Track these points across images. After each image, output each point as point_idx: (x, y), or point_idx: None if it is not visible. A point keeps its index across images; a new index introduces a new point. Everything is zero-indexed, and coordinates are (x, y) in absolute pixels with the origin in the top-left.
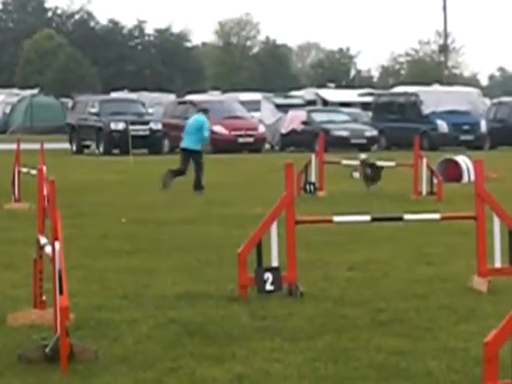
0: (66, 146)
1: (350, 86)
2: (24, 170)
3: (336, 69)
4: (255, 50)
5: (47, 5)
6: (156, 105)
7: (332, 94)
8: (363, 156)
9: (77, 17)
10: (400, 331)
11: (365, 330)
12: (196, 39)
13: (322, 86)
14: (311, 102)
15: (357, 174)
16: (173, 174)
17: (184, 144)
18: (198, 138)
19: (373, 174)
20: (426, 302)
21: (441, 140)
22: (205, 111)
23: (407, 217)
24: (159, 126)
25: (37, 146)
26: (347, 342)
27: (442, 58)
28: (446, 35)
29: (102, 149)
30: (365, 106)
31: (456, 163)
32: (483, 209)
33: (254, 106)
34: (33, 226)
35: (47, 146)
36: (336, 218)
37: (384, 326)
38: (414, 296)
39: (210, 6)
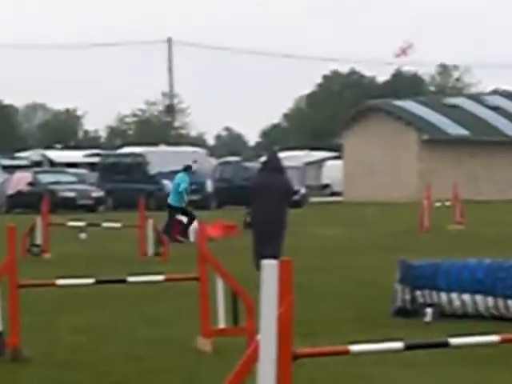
0: None
1: (78, 146)
2: None
3: (63, 129)
4: None
5: None
6: None
7: (59, 155)
8: None
9: None
10: None
11: None
12: None
13: (50, 146)
14: (38, 163)
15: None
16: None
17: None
18: (176, 194)
19: None
20: (150, 364)
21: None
22: (187, 169)
23: (131, 279)
24: None
25: None
26: None
27: (169, 119)
28: (172, 96)
29: None
30: (92, 166)
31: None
32: (206, 270)
33: None
34: None
35: None
36: (59, 282)
37: None
38: (139, 358)
39: None
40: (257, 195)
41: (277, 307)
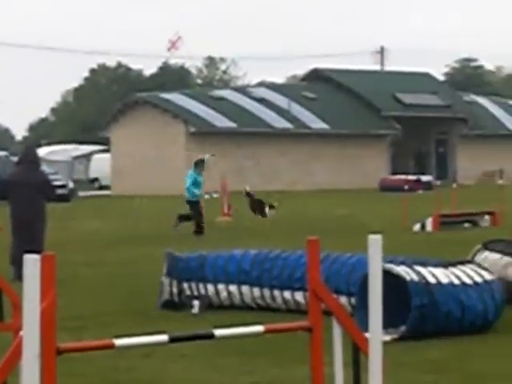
0: None
1: None
2: None
3: None
4: None
5: None
6: None
7: None
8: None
9: None
10: None
11: None
12: None
13: None
14: None
15: None
16: (181, 219)
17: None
18: (191, 190)
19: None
20: None
21: None
22: (196, 164)
23: None
24: None
25: None
26: None
27: None
28: None
29: None
30: None
31: None
32: None
33: None
34: None
35: None
36: None
37: None
38: None
39: None
40: (14, 190)
41: (40, 303)
